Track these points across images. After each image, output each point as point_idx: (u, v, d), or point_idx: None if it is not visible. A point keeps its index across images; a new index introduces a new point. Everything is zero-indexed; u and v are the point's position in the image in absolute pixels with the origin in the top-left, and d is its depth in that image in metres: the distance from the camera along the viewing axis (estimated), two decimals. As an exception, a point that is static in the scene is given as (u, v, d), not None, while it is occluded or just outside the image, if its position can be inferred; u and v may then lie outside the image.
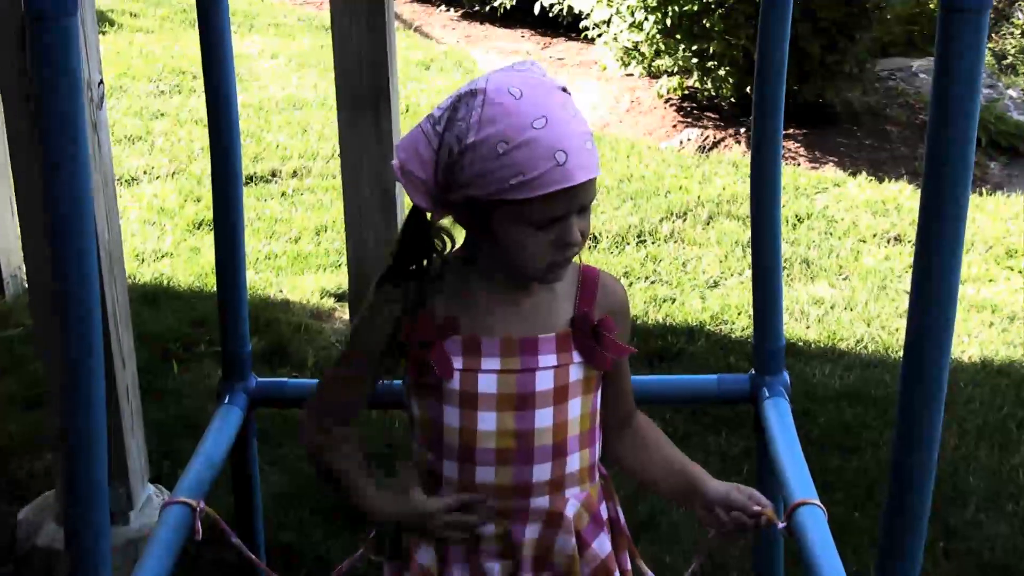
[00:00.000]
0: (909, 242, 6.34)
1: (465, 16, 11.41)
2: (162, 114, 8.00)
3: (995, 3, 13.93)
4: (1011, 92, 9.90)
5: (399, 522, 2.17)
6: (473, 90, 1.96)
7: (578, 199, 1.96)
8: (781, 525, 2.14)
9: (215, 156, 2.58)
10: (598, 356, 2.11)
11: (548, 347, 2.08)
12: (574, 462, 2.14)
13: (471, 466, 2.10)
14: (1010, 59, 14.38)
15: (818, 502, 2.19)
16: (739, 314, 5.33)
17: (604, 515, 2.22)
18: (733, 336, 5.19)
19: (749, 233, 2.73)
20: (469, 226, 2.05)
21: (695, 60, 8.20)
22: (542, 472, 2.11)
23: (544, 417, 2.09)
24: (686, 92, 8.53)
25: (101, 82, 3.18)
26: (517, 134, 1.91)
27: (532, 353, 2.08)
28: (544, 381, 2.08)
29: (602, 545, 2.19)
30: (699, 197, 6.77)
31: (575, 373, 2.10)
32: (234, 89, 2.56)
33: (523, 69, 2.00)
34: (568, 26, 10.45)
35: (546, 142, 1.90)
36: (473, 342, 2.07)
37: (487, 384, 2.07)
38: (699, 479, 2.19)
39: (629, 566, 2.29)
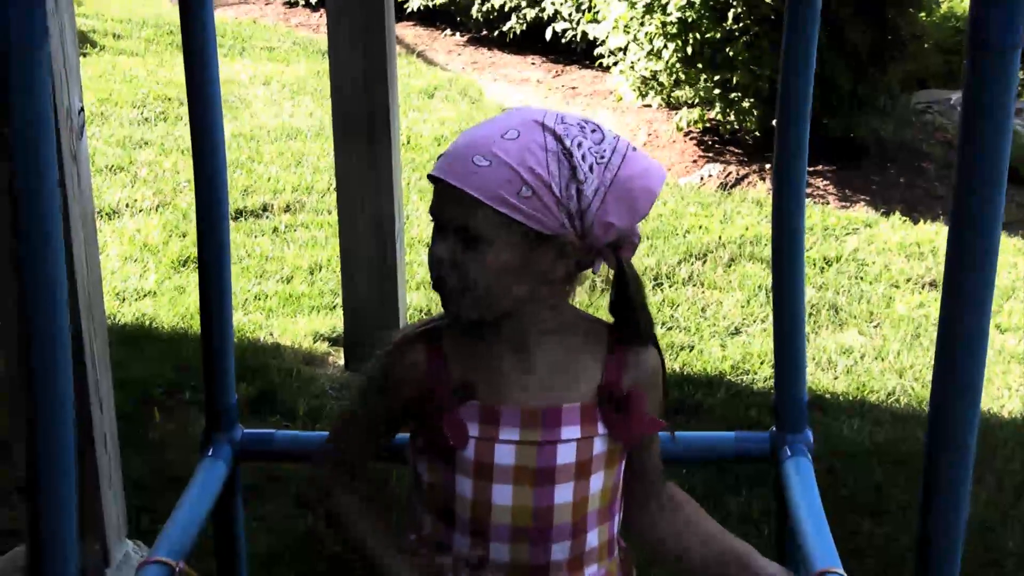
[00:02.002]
0: (945, 288, 6.33)
1: (472, 41, 11.44)
2: (146, 143, 8.03)
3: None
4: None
5: None
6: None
7: (446, 208, 1.96)
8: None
9: (199, 188, 2.58)
10: (626, 431, 2.09)
11: (572, 418, 2.06)
12: (593, 539, 2.12)
13: (484, 542, 2.08)
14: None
15: (841, 571, 2.19)
16: (762, 363, 5.33)
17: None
18: (755, 387, 5.18)
19: (772, 277, 2.73)
20: None
21: (717, 91, 8.22)
22: (560, 551, 2.08)
23: (564, 493, 2.06)
24: (707, 125, 8.54)
25: (81, 110, 3.19)
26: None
27: (555, 425, 2.05)
28: (566, 455, 2.05)
29: (621, 622, 2.18)
30: (720, 238, 6.78)
31: (599, 446, 2.07)
32: (220, 116, 2.56)
33: (559, 112, 2.00)
34: (582, 53, 10.48)
35: (463, 132, 2.01)
36: (491, 409, 2.05)
37: (504, 455, 2.04)
38: (748, 556, 2.19)
39: None
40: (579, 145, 1.93)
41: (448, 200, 1.95)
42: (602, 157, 1.94)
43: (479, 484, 2.06)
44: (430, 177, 1.98)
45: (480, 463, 2.05)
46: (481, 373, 2.07)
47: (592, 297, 2.12)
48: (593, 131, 1.96)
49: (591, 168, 1.93)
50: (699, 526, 2.25)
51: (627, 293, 2.07)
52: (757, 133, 8.25)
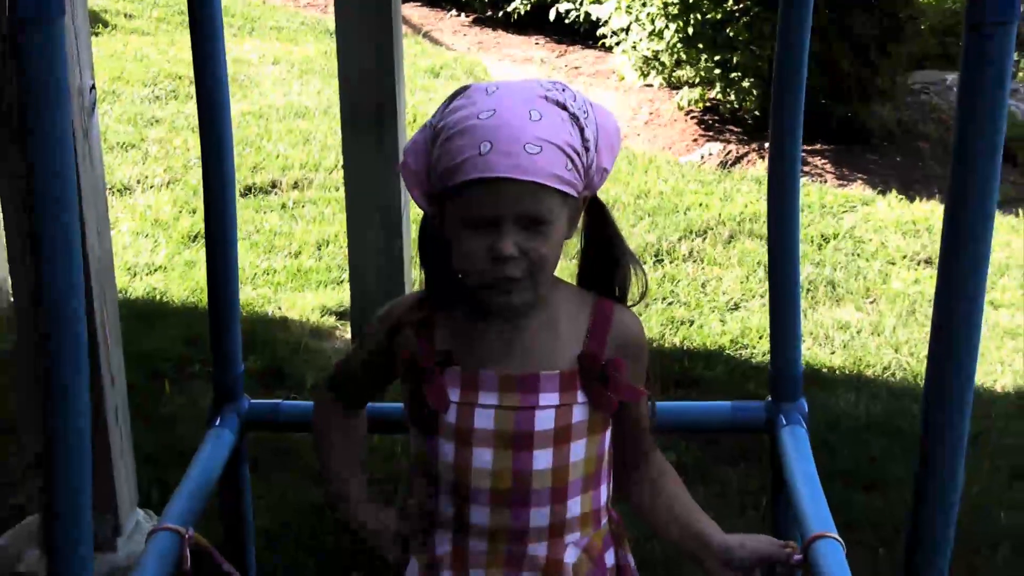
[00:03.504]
0: (941, 265, 6.32)
1: (477, 22, 11.42)
2: (157, 120, 8.03)
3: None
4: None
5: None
6: (467, 85, 2.05)
7: (508, 202, 1.92)
8: (797, 557, 2.13)
9: (207, 165, 2.58)
10: (604, 398, 2.09)
11: (551, 385, 2.07)
12: (575, 507, 2.12)
13: (466, 505, 2.09)
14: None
15: (836, 535, 2.18)
16: (760, 338, 5.33)
17: (610, 561, 2.20)
18: (754, 361, 5.19)
19: (770, 254, 2.73)
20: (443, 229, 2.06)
21: (718, 71, 8.21)
22: (540, 517, 2.09)
23: (543, 459, 2.07)
24: (708, 104, 8.54)
25: (93, 87, 3.19)
26: (462, 122, 1.95)
27: (532, 391, 2.06)
28: (544, 421, 2.06)
29: (605, 594, 2.18)
30: (720, 215, 6.78)
31: (579, 414, 2.08)
32: (226, 94, 2.56)
33: (535, 80, 2.02)
34: (585, 34, 10.45)
35: (479, 131, 1.93)
36: (471, 375, 2.07)
37: (484, 419, 2.06)
38: (707, 536, 2.18)
39: None
40: (576, 107, 1.98)
41: (511, 195, 1.92)
42: (585, 112, 2.00)
43: (460, 448, 2.08)
44: (472, 182, 1.93)
45: (461, 427, 2.07)
46: (466, 341, 2.09)
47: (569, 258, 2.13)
48: (564, 89, 2.01)
49: (586, 124, 1.99)
50: (674, 501, 2.24)
51: (608, 230, 2.11)
52: (757, 112, 8.24)
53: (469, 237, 1.97)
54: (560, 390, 2.07)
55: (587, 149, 1.98)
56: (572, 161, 1.94)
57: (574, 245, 2.13)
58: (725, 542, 2.16)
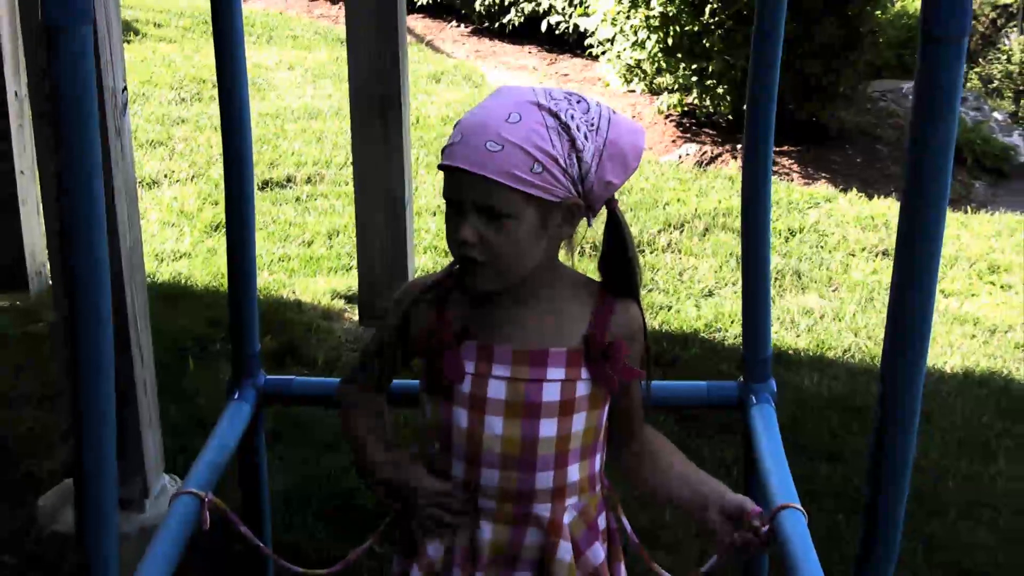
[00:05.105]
0: (896, 257, 6.33)
1: (475, 32, 11.41)
2: (182, 120, 8.01)
3: (983, 30, 13.92)
4: (996, 115, 9.89)
5: (386, 486, 2.18)
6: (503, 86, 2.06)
7: (465, 190, 1.94)
8: (764, 528, 2.13)
9: (228, 161, 2.57)
10: (606, 376, 2.10)
11: (559, 361, 2.07)
12: (574, 472, 2.13)
13: (477, 467, 2.10)
14: (996, 83, 14.38)
15: (799, 506, 2.18)
16: (732, 322, 5.33)
17: (602, 525, 2.21)
18: (726, 344, 5.19)
19: (742, 246, 2.73)
20: None
21: (694, 78, 8.20)
22: (544, 480, 2.10)
23: (549, 427, 2.08)
24: (685, 109, 8.53)
25: (125, 89, 3.18)
26: (465, 113, 1.99)
27: (542, 365, 2.07)
28: (551, 393, 2.07)
29: (596, 554, 2.17)
30: (696, 210, 6.77)
31: (582, 389, 2.09)
32: (247, 97, 2.55)
33: (544, 88, 2.02)
34: (573, 44, 10.45)
35: (462, 123, 1.96)
36: (486, 348, 2.08)
37: (496, 390, 2.07)
38: (707, 498, 2.17)
39: (623, 575, 2.28)
40: (572, 117, 1.95)
41: (467, 184, 1.94)
42: (592, 125, 1.97)
43: (473, 415, 2.08)
44: (445, 166, 1.96)
45: (475, 396, 2.08)
46: (479, 319, 2.09)
47: (576, 258, 2.13)
48: (579, 102, 1.99)
49: (586, 136, 1.95)
50: (672, 467, 2.25)
51: (622, 235, 2.10)
52: (730, 116, 8.24)
53: (448, 217, 2.01)
54: (566, 365, 2.08)
55: (579, 160, 1.95)
56: (544, 165, 1.92)
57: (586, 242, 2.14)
58: (733, 499, 2.15)
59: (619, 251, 2.11)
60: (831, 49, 7.95)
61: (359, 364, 2.31)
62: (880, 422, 1.76)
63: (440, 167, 1.98)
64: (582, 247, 2.13)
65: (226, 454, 2.50)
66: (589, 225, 2.06)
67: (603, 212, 2.09)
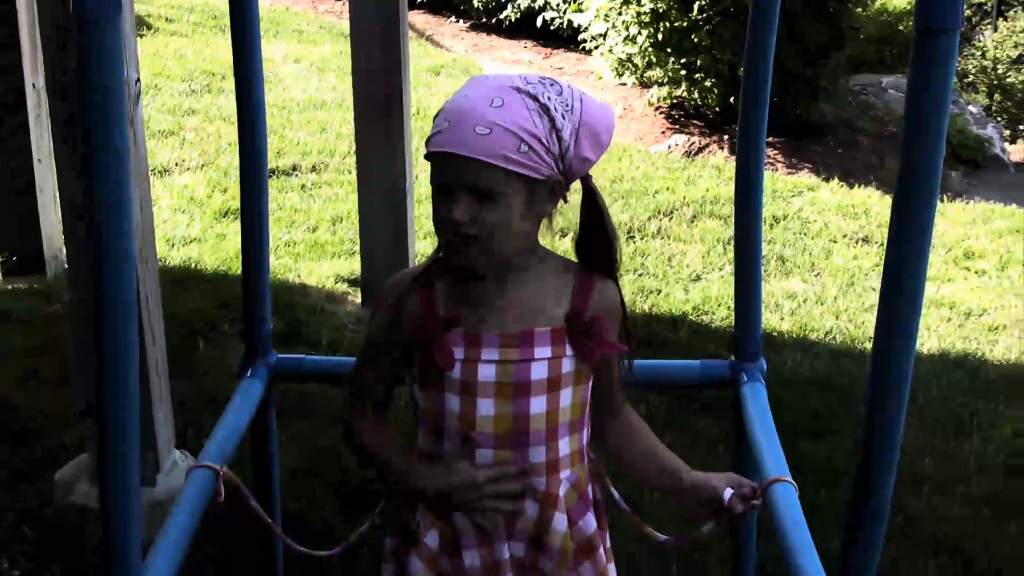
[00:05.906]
0: (876, 243, 6.33)
1: (473, 27, 11.39)
2: (193, 111, 7.98)
3: (959, 26, 13.94)
4: (971, 108, 9.90)
5: (437, 496, 2.12)
6: (476, 76, 2.06)
7: (456, 174, 1.94)
8: (756, 501, 2.13)
9: (244, 151, 2.56)
10: (589, 352, 2.09)
11: (544, 340, 2.07)
12: (565, 446, 2.12)
13: (472, 451, 2.09)
14: (971, 78, 14.37)
15: (791, 479, 2.18)
16: (719, 305, 5.32)
17: (591, 495, 2.21)
18: (713, 326, 5.18)
19: (730, 231, 2.73)
20: None
21: (683, 72, 8.19)
22: (537, 455, 2.09)
23: (539, 404, 2.08)
24: (675, 101, 8.52)
25: (138, 80, 3.17)
26: (446, 102, 1.99)
27: (528, 345, 2.06)
28: (539, 371, 2.07)
29: (588, 523, 2.17)
30: (684, 197, 6.76)
31: (567, 365, 2.08)
32: (262, 90, 2.55)
33: (521, 74, 2.01)
34: (567, 38, 10.44)
35: (448, 111, 1.96)
36: (474, 335, 2.06)
37: (486, 373, 2.06)
38: (680, 471, 2.18)
39: (609, 544, 2.27)
40: (549, 99, 1.96)
41: (459, 168, 1.93)
42: (567, 106, 1.98)
43: (465, 399, 2.07)
44: (435, 153, 1.95)
45: (466, 381, 2.06)
46: (465, 305, 2.08)
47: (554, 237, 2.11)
48: (551, 85, 1.99)
49: (563, 116, 1.96)
50: (646, 444, 2.24)
51: (599, 207, 2.09)
52: (717, 109, 8.23)
53: (436, 202, 2.00)
54: (552, 344, 2.07)
55: (559, 138, 1.96)
56: (529, 145, 1.93)
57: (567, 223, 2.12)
58: (693, 479, 2.15)
59: (597, 224, 2.10)
60: (813, 45, 7.94)
61: (354, 389, 2.23)
62: (872, 403, 1.76)
63: (428, 155, 1.97)
64: (562, 229, 2.12)
65: (239, 430, 2.48)
66: (566, 201, 2.05)
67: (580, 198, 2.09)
